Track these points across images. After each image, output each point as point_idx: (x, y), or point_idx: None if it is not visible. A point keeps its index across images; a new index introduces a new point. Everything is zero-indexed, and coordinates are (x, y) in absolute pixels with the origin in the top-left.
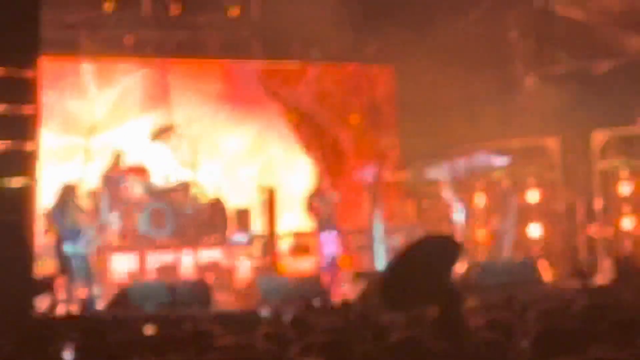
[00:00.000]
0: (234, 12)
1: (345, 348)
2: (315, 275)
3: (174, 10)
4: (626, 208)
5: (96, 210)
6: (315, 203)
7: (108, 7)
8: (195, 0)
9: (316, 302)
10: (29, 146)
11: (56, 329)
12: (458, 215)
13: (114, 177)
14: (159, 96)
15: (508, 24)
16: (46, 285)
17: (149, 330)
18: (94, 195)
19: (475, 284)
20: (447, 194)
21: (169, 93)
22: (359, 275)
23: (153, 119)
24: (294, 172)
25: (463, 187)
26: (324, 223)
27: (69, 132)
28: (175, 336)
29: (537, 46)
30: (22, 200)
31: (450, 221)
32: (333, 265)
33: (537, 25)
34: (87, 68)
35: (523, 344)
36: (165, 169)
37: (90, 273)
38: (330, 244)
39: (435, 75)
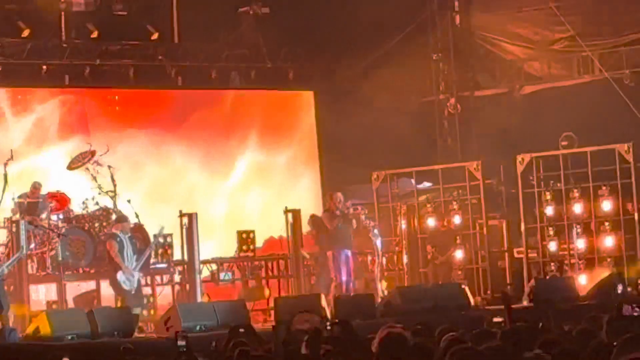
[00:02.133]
0: (153, 37)
1: None
2: (239, 300)
3: (92, 36)
4: (550, 230)
5: (14, 239)
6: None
7: (25, 34)
8: (113, 27)
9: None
10: None
11: None
12: (376, 241)
13: (32, 205)
14: (76, 123)
15: (429, 48)
16: None
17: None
18: (11, 223)
19: (398, 309)
20: (365, 219)
21: (87, 120)
22: (277, 300)
23: (71, 146)
24: (214, 198)
25: (386, 212)
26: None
27: None
28: None
29: (459, 70)
30: None
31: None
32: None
33: (458, 50)
34: (2, 95)
35: None
36: (84, 196)
37: (7, 302)
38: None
39: (356, 100)
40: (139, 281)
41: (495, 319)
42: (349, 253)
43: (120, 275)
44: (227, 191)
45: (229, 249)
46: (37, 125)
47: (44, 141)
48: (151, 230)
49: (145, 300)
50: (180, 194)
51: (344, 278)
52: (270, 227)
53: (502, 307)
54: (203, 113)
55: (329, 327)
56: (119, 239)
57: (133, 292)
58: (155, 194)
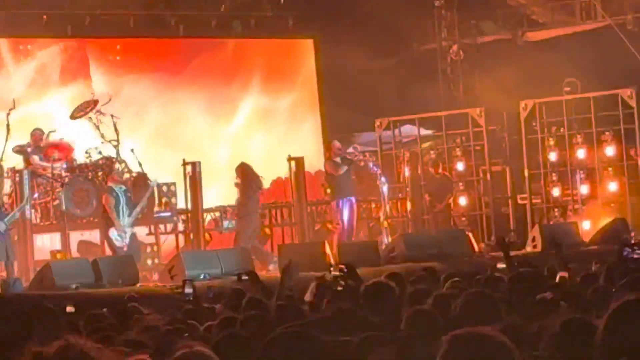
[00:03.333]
0: None
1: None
2: (243, 247)
3: None
4: (554, 176)
5: (17, 188)
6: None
7: None
8: None
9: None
10: None
11: None
12: (382, 187)
13: (36, 154)
14: (78, 70)
15: None
16: None
17: (70, 309)
18: (14, 172)
19: (402, 256)
20: (371, 166)
21: (88, 66)
22: (281, 248)
23: (73, 92)
24: (217, 143)
25: (390, 159)
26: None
27: None
28: (99, 315)
29: (461, 17)
30: None
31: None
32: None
33: None
34: (3, 45)
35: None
36: (87, 145)
37: (12, 252)
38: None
39: (358, 48)
40: (132, 236)
41: (499, 265)
42: (354, 200)
43: (112, 232)
44: (230, 136)
45: (233, 194)
46: (39, 72)
47: (47, 88)
48: (155, 179)
49: (140, 256)
50: (184, 140)
51: (346, 225)
52: (273, 172)
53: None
54: (204, 60)
55: (333, 272)
56: (115, 193)
57: (125, 249)
58: (158, 141)
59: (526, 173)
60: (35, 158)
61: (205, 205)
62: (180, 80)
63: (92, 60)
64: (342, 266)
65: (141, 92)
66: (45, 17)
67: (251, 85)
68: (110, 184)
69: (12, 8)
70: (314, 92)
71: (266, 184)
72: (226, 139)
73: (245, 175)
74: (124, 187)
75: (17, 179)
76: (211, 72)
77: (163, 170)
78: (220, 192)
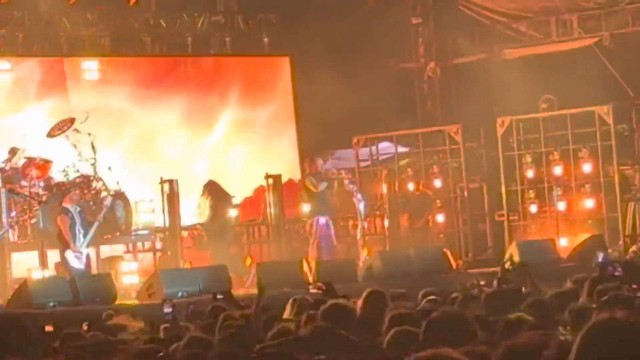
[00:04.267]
0: (130, 4)
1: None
2: (221, 265)
3: (70, 3)
4: (531, 193)
5: None
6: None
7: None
8: None
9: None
10: None
11: None
12: (359, 205)
13: (12, 172)
14: (55, 84)
15: (408, 12)
16: None
17: (49, 328)
18: None
19: (378, 274)
20: (347, 183)
21: (65, 81)
22: (259, 266)
23: (50, 108)
24: (196, 158)
25: (367, 176)
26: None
27: None
28: (76, 335)
29: (438, 34)
30: None
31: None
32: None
33: (437, 13)
34: None
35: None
36: (64, 163)
37: None
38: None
39: (335, 65)
40: (88, 257)
41: (481, 282)
42: (329, 218)
43: (68, 253)
44: (209, 149)
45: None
46: (16, 85)
47: (24, 102)
48: (132, 197)
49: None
50: (162, 154)
51: (323, 243)
52: (250, 186)
53: (483, 270)
54: (182, 74)
55: (312, 290)
56: (70, 213)
57: (83, 269)
58: (137, 155)
59: (503, 190)
60: (18, 178)
61: (185, 222)
62: (157, 93)
63: (69, 75)
64: (321, 284)
65: (119, 105)
66: (20, 35)
67: (229, 99)
68: (65, 204)
69: None
70: (291, 108)
71: (240, 199)
72: (204, 151)
73: (214, 193)
74: (79, 208)
75: None
76: (189, 85)
77: (141, 187)
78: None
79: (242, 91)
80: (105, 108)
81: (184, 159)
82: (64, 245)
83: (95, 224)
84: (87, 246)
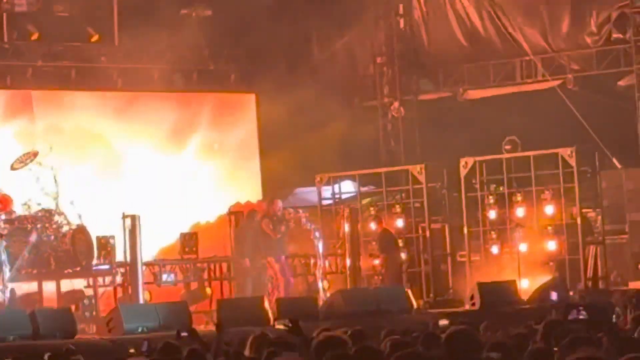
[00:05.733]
0: (94, 39)
1: None
2: (182, 301)
3: (34, 37)
4: (493, 234)
5: None
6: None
7: None
8: (55, 28)
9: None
10: None
11: None
12: (317, 243)
13: None
14: (20, 108)
15: (374, 52)
16: None
17: None
18: None
19: (340, 311)
20: (304, 222)
21: (32, 105)
22: (220, 303)
23: (15, 131)
24: (155, 199)
25: (329, 214)
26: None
27: None
28: None
29: (402, 74)
30: None
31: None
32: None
33: (402, 53)
34: None
35: None
36: (26, 197)
37: None
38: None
39: (298, 103)
40: (11, 291)
41: (442, 322)
42: (284, 258)
43: None
44: (176, 175)
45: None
46: None
47: None
48: (95, 231)
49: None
50: (127, 180)
51: (281, 282)
52: (214, 211)
53: (444, 310)
54: (146, 114)
55: (277, 326)
56: None
57: (7, 303)
58: (99, 188)
59: (465, 230)
60: None
61: (146, 256)
62: (121, 126)
63: (35, 103)
64: (287, 321)
65: (84, 131)
66: None
67: (192, 139)
68: None
69: None
70: (255, 142)
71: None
72: (172, 175)
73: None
74: (4, 243)
75: None
76: (154, 114)
77: (103, 221)
78: (163, 235)
79: (205, 131)
80: (70, 131)
81: (151, 185)
82: None
83: (20, 259)
84: (12, 280)
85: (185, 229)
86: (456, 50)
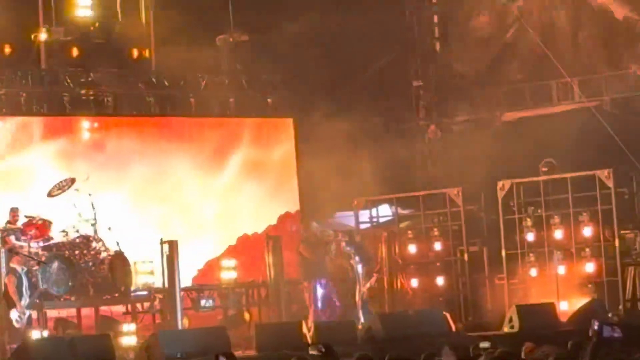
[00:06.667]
0: (132, 65)
1: None
2: (220, 326)
3: (72, 64)
4: (531, 257)
5: None
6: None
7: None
8: (92, 55)
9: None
10: None
11: None
12: (357, 266)
13: (12, 233)
14: (61, 126)
15: (410, 75)
16: None
17: None
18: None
19: (378, 336)
20: (344, 245)
21: (72, 144)
22: (259, 327)
23: (54, 157)
24: (194, 225)
25: (369, 237)
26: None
27: None
28: None
29: (439, 96)
30: None
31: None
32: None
33: (439, 76)
34: None
35: None
36: (65, 223)
37: None
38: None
39: (336, 127)
40: (29, 318)
41: (482, 344)
42: (325, 282)
43: (13, 312)
44: (217, 193)
45: (217, 250)
46: (21, 129)
47: (29, 145)
48: (133, 257)
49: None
50: (168, 197)
51: (321, 306)
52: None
53: (483, 333)
54: (182, 141)
55: (311, 352)
56: (18, 274)
57: (22, 329)
58: (136, 217)
59: (503, 253)
60: (12, 237)
61: (185, 282)
62: (165, 136)
63: (74, 127)
64: (320, 346)
65: (121, 157)
66: (24, 95)
67: (230, 164)
68: (13, 264)
69: None
70: (293, 168)
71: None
72: (213, 195)
73: None
74: (25, 269)
75: None
76: (190, 149)
77: (141, 247)
78: (207, 248)
79: (244, 155)
80: (108, 163)
81: (193, 201)
82: (8, 304)
83: (39, 289)
84: (31, 307)
85: (222, 251)
86: (491, 72)
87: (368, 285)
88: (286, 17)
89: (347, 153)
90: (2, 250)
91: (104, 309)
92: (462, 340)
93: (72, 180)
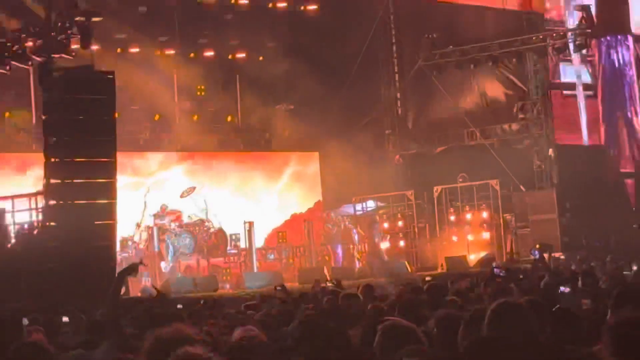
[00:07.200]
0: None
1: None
2: (277, 272)
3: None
4: (453, 229)
5: (150, 238)
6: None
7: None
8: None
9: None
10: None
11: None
12: (354, 237)
13: (163, 219)
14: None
15: (384, 128)
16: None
17: (179, 305)
18: (149, 229)
19: (367, 275)
20: (349, 224)
21: (190, 165)
22: (300, 270)
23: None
24: (264, 210)
25: (361, 220)
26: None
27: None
28: (196, 309)
29: (400, 139)
30: (109, 211)
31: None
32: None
33: (400, 128)
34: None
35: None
36: (189, 212)
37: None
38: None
39: (342, 156)
40: (173, 266)
41: (427, 279)
42: (339, 246)
43: (162, 264)
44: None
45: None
46: (164, 158)
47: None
48: (228, 231)
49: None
50: (245, 205)
51: (336, 258)
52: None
53: (427, 272)
54: (257, 162)
55: (329, 284)
56: (166, 242)
57: (167, 273)
58: (230, 210)
59: (437, 227)
60: (165, 221)
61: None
62: (248, 160)
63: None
64: (334, 280)
65: (224, 166)
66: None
67: (279, 181)
68: (162, 237)
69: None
70: (319, 182)
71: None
72: (275, 192)
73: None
74: (171, 238)
75: (150, 232)
76: (257, 167)
77: (233, 225)
78: (271, 223)
79: (294, 166)
80: (214, 175)
81: (262, 197)
82: (160, 259)
83: (179, 249)
84: (172, 261)
85: (280, 224)
86: (430, 121)
87: (360, 247)
88: (315, 95)
89: (349, 170)
90: (155, 228)
91: (213, 261)
92: (415, 277)
93: (193, 188)
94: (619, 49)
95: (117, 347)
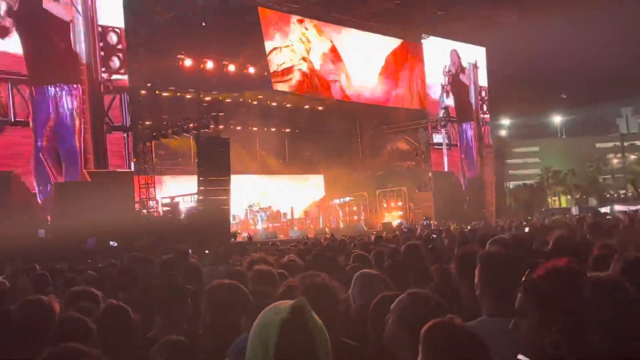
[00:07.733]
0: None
1: None
2: (303, 229)
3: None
4: (384, 210)
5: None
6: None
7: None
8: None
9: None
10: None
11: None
12: (340, 213)
13: (255, 208)
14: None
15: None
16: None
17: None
18: (252, 212)
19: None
20: (337, 207)
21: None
22: (315, 232)
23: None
24: (296, 201)
25: (342, 206)
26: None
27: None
28: (266, 246)
29: (372, 159)
30: (226, 202)
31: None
32: None
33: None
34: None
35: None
36: (250, 202)
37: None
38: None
39: (338, 174)
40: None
41: (372, 237)
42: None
43: (257, 227)
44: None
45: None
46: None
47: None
48: (281, 209)
49: None
50: (287, 197)
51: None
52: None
53: (374, 229)
54: (287, 177)
55: (328, 235)
56: (257, 217)
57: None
58: (275, 199)
59: (384, 206)
60: (256, 209)
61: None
62: (286, 176)
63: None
64: (331, 234)
65: (274, 187)
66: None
67: (307, 181)
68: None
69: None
70: (323, 188)
71: (306, 208)
72: (305, 192)
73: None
74: (259, 215)
75: (250, 212)
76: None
77: (283, 205)
78: (299, 208)
79: (312, 179)
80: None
81: (297, 195)
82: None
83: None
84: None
85: (304, 209)
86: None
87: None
88: (324, 128)
89: (342, 182)
90: (249, 209)
91: (274, 226)
92: (367, 232)
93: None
94: (466, 128)
95: (228, 267)
